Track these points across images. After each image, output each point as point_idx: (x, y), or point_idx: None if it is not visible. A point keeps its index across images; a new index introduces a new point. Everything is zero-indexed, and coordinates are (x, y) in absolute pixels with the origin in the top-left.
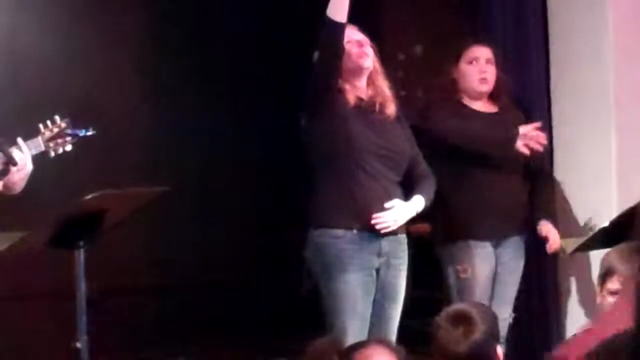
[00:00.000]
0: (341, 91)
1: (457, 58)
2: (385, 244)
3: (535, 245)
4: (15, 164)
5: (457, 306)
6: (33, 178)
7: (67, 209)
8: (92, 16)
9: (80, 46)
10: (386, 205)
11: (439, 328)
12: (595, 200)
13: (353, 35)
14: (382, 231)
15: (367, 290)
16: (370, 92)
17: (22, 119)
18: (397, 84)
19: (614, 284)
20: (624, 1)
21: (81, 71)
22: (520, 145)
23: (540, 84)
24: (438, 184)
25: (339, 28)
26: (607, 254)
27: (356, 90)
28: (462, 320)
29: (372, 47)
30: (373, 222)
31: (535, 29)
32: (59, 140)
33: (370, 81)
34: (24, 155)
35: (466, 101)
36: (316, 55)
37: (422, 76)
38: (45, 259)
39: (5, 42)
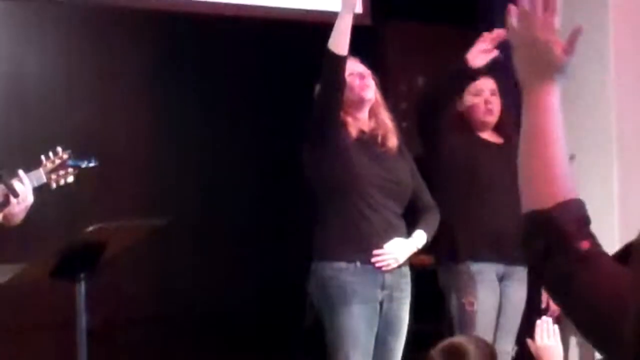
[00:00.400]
0: (343, 124)
1: (462, 91)
2: (388, 276)
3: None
4: (16, 195)
5: (453, 340)
6: (34, 209)
7: (68, 241)
8: (95, 49)
9: (83, 78)
10: (385, 245)
11: None
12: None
13: (355, 68)
14: (383, 269)
15: (370, 323)
16: (372, 124)
17: (24, 150)
18: (399, 116)
19: None
20: (625, 35)
21: (83, 103)
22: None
23: None
24: (442, 207)
25: (340, 61)
26: None
27: (358, 122)
28: (456, 355)
29: (373, 79)
30: (373, 260)
31: None
32: (61, 172)
33: (372, 113)
34: (24, 188)
35: (473, 131)
36: (318, 87)
37: None
38: (46, 291)
39: (8, 74)
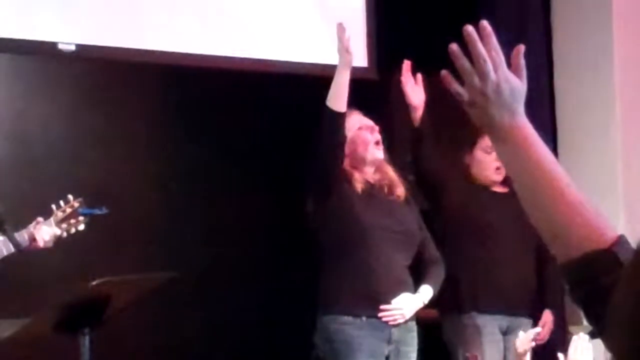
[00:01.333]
0: (349, 177)
1: (472, 145)
2: (395, 331)
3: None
4: (20, 249)
5: None
6: (37, 263)
7: (71, 295)
8: (101, 101)
9: (89, 130)
10: (393, 301)
11: None
12: None
13: (365, 121)
14: (390, 324)
15: None
16: (376, 176)
17: (30, 202)
18: (406, 169)
19: None
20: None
21: (90, 155)
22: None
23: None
24: (447, 259)
25: (339, 118)
26: None
27: (364, 175)
28: None
29: (379, 132)
30: (380, 315)
31: (543, 116)
32: (72, 221)
33: (377, 166)
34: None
35: (477, 182)
36: (317, 143)
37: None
38: (49, 346)
39: (14, 128)
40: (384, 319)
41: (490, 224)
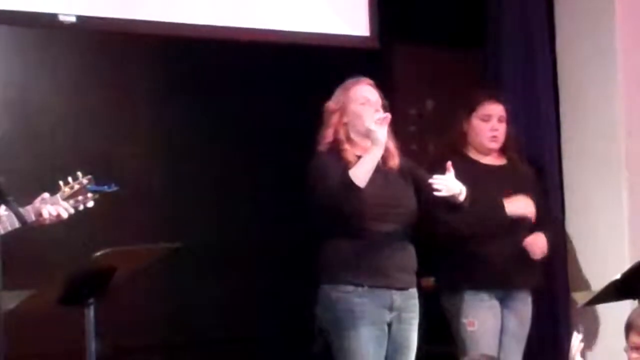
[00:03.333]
0: (341, 147)
1: (470, 112)
2: (396, 298)
3: (549, 297)
4: (23, 222)
5: (476, 356)
6: (42, 236)
7: (76, 267)
8: (105, 74)
9: (92, 103)
10: (436, 175)
11: None
12: (607, 253)
13: (368, 95)
14: (436, 193)
15: (379, 344)
16: None
17: (32, 176)
18: (408, 139)
19: (634, 338)
20: (634, 47)
21: (93, 128)
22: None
23: (551, 141)
24: (442, 236)
25: (357, 192)
26: (633, 309)
27: (357, 148)
28: None
29: (382, 103)
30: (430, 180)
31: (545, 86)
32: (80, 197)
33: None
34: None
35: (474, 155)
36: (327, 198)
37: (434, 131)
38: (54, 317)
39: (16, 100)
40: (432, 186)
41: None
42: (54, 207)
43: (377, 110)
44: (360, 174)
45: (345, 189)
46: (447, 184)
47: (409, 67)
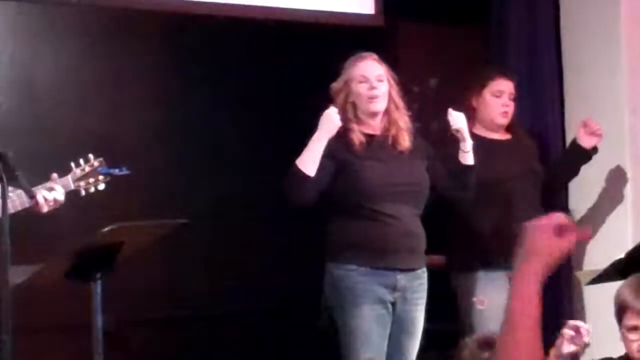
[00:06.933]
0: (346, 131)
1: (481, 87)
2: (400, 279)
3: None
4: (32, 196)
5: (488, 333)
6: (50, 211)
7: (83, 242)
8: (108, 51)
9: (96, 81)
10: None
11: (465, 347)
12: (611, 232)
13: (368, 72)
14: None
15: (382, 323)
16: (383, 124)
17: (36, 154)
18: (412, 117)
19: (629, 320)
20: (638, 22)
21: (97, 105)
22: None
23: (555, 118)
24: (453, 214)
25: (305, 181)
26: (618, 290)
27: (364, 127)
28: (490, 347)
29: (392, 77)
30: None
31: (549, 62)
32: (91, 180)
33: (385, 113)
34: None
35: (481, 132)
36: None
37: (437, 108)
38: (62, 291)
39: (20, 77)
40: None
41: (497, 178)
42: (50, 193)
43: (371, 88)
44: (306, 162)
45: (292, 178)
46: (460, 127)
47: (412, 45)
